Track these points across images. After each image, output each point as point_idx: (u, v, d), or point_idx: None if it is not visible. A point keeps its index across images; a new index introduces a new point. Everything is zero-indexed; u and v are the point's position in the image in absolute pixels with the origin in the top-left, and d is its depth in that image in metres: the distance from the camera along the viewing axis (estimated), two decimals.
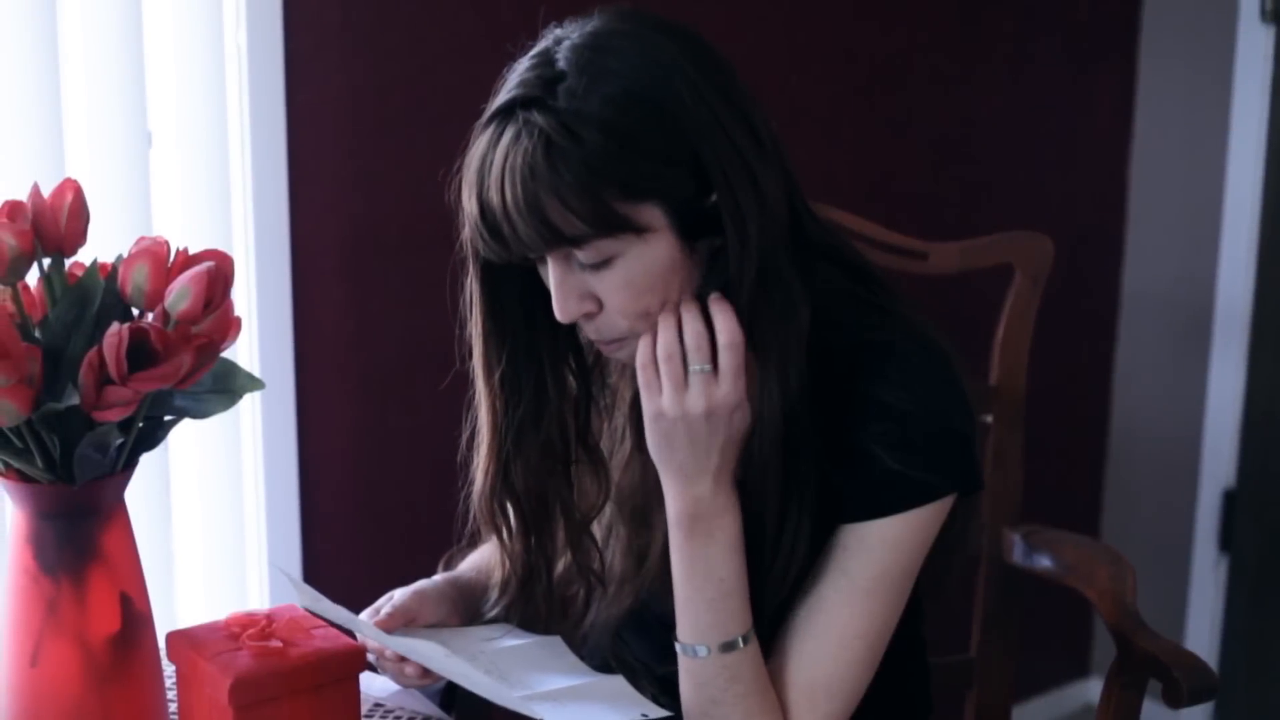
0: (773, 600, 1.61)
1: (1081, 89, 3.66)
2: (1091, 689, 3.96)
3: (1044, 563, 2.19)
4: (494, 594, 1.80)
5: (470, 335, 1.67)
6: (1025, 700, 3.76)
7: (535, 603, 1.77)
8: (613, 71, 1.47)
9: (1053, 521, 2.30)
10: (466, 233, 1.57)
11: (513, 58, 1.56)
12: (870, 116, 3.26)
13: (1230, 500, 3.69)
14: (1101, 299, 3.83)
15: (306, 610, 1.58)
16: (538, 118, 1.46)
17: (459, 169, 1.55)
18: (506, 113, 1.49)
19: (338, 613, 1.60)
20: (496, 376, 1.66)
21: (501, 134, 1.48)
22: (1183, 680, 1.84)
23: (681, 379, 1.53)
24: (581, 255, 1.50)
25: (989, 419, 2.26)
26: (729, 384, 1.53)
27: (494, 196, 1.48)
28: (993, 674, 2.32)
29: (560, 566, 1.76)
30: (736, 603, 1.58)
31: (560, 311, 1.54)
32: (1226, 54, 3.55)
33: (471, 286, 1.64)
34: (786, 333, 1.55)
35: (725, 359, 1.52)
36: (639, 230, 1.49)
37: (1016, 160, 3.56)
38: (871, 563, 1.58)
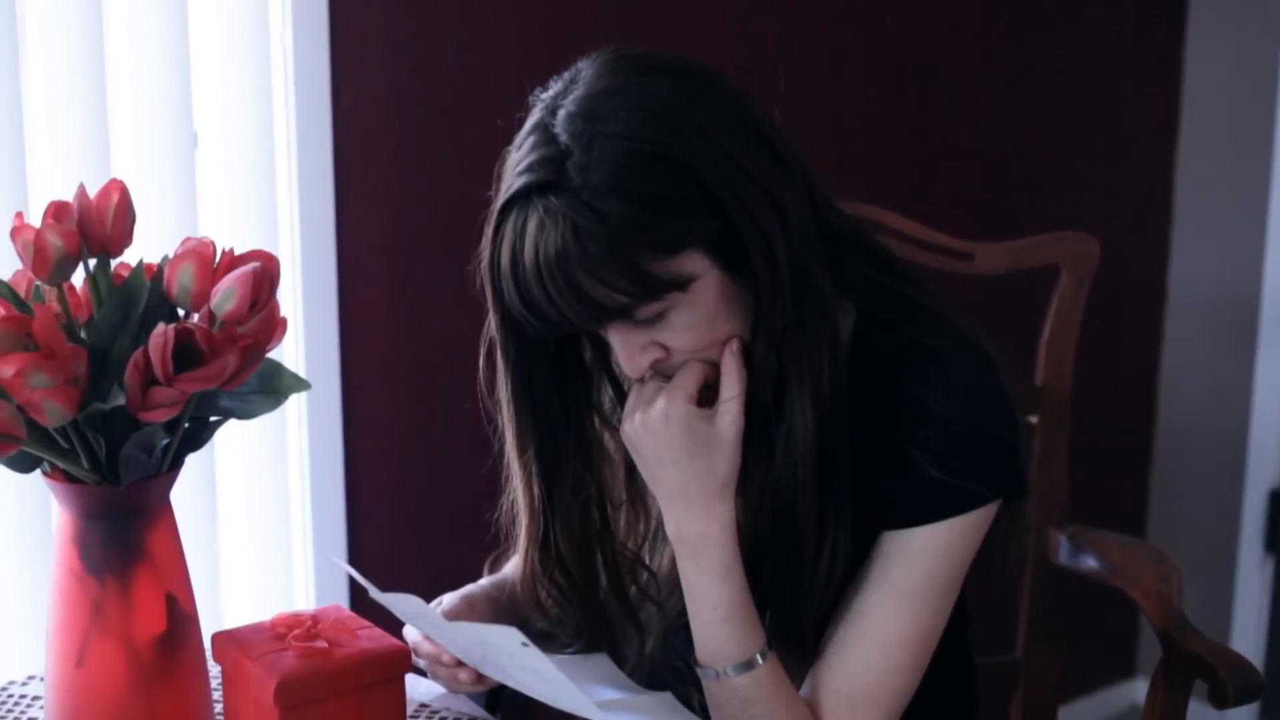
0: (816, 610, 1.61)
1: (1126, 88, 3.65)
2: (1138, 689, 3.94)
3: (1090, 563, 2.18)
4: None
5: (502, 421, 1.67)
6: (1071, 700, 3.75)
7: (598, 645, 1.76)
8: (614, 135, 1.45)
9: (1098, 522, 2.29)
10: (496, 320, 1.59)
11: (531, 76, 1.56)
12: (915, 117, 3.25)
13: (1276, 501, 3.66)
14: (1147, 299, 3.81)
15: (375, 601, 1.57)
16: (555, 202, 1.44)
17: (478, 258, 1.55)
18: (523, 199, 1.47)
19: (405, 603, 1.57)
20: (530, 454, 1.66)
21: (524, 224, 1.46)
22: (1228, 681, 1.83)
23: (652, 393, 1.56)
24: (637, 314, 1.49)
25: (1034, 420, 2.25)
26: (726, 420, 1.54)
27: (536, 291, 1.46)
28: (1039, 674, 2.31)
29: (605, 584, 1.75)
30: (735, 629, 1.57)
31: (630, 370, 1.54)
32: (1272, 51, 3.53)
33: (503, 374, 1.64)
34: (819, 347, 1.55)
35: (724, 397, 1.54)
36: (682, 285, 1.48)
37: (1062, 160, 3.55)
38: (915, 569, 1.57)
